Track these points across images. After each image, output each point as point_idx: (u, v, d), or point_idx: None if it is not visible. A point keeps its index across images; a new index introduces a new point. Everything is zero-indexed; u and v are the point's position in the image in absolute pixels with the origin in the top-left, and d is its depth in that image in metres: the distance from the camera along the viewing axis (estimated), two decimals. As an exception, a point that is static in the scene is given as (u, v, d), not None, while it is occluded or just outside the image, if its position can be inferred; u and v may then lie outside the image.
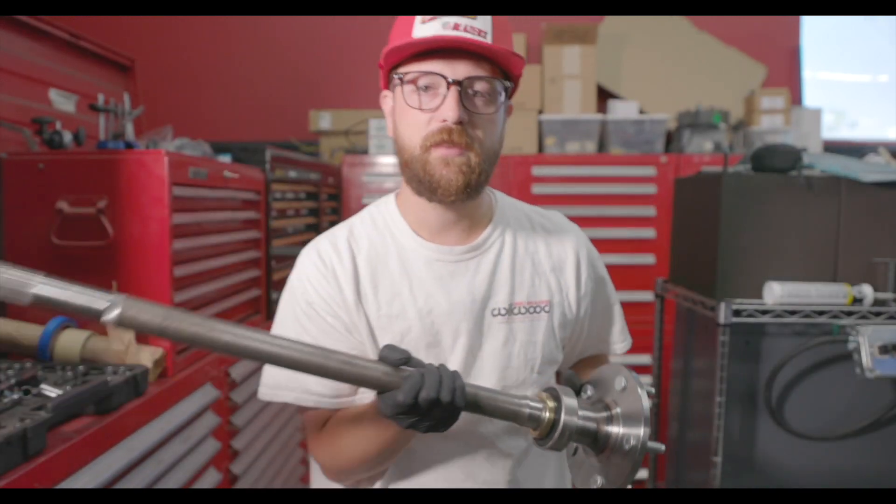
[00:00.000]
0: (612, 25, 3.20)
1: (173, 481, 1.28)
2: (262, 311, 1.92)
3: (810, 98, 3.37)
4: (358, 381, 0.77)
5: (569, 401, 0.81)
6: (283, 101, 3.31)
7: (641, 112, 3.00)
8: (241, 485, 1.62)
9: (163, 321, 0.72)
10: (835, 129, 3.62)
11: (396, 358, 0.76)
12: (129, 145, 1.53)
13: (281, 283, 2.05)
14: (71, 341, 1.28)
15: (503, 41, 0.88)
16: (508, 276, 0.96)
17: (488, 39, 0.85)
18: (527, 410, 0.80)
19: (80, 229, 1.31)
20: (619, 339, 1.09)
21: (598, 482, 0.83)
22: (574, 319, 1.01)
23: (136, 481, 1.15)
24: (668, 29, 3.23)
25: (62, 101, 1.78)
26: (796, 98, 3.32)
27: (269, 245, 1.93)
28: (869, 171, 1.75)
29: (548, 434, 0.81)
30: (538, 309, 0.96)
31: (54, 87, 1.76)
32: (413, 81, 0.87)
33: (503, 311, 0.94)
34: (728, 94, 3.18)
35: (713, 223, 1.79)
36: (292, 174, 2.17)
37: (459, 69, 0.85)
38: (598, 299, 1.04)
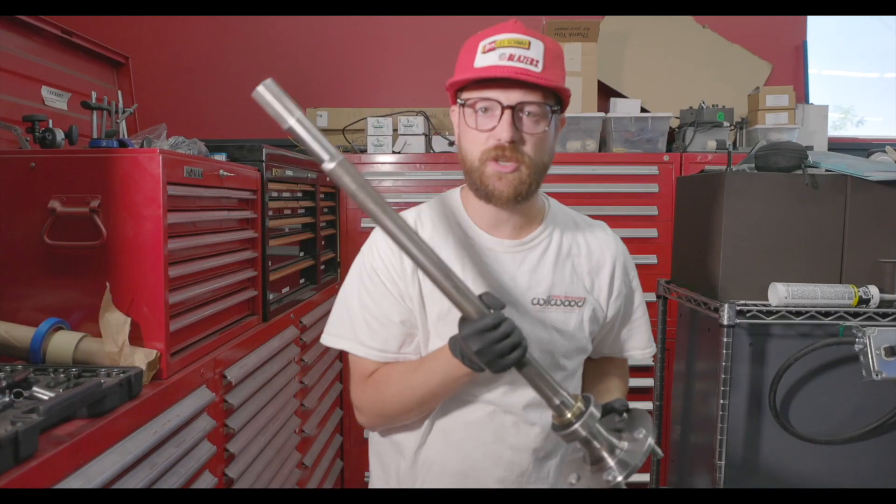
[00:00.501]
0: (613, 22, 3.17)
1: (167, 485, 1.26)
2: (259, 311, 1.89)
3: (816, 95, 3.34)
4: (461, 298, 0.91)
5: (593, 412, 0.93)
6: (282, 98, 3.28)
7: (644, 110, 2.97)
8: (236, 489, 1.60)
9: (356, 188, 0.91)
10: (841, 127, 3.59)
11: (493, 300, 0.92)
12: (122, 144, 1.51)
13: (277, 284, 2.04)
14: (63, 343, 1.26)
15: (553, 66, 1.02)
16: (550, 271, 1.11)
17: (539, 67, 0.99)
18: (558, 400, 0.93)
19: (73, 229, 1.29)
20: (641, 347, 1.25)
21: (572, 481, 0.98)
22: (604, 318, 1.17)
23: (129, 485, 1.14)
24: (670, 26, 3.20)
25: (54, 99, 1.75)
26: (801, 95, 3.29)
27: (266, 245, 1.91)
28: (875, 169, 1.73)
29: (563, 427, 0.94)
30: (573, 303, 1.12)
31: (46, 84, 1.74)
32: (473, 105, 1.03)
33: (542, 301, 1.10)
34: (732, 92, 3.15)
35: (716, 223, 1.76)
36: (289, 173, 2.15)
37: (513, 95, 1.00)
38: (627, 305, 1.20)
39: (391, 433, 1.16)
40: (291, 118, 0.88)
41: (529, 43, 1.00)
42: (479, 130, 1.02)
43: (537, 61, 0.99)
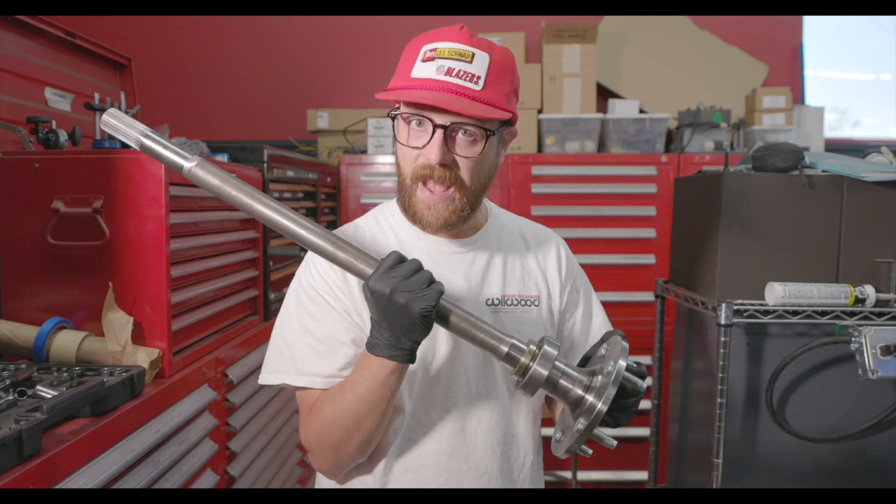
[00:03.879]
0: (612, 23, 3.19)
1: (170, 483, 1.27)
2: (260, 311, 1.90)
3: (812, 97, 3.36)
4: (360, 262, 0.86)
5: (548, 350, 0.85)
6: (281, 100, 3.30)
7: (642, 111, 2.99)
8: (238, 487, 1.61)
9: (220, 183, 0.91)
10: (837, 128, 3.61)
11: (398, 256, 0.85)
12: (125, 145, 1.52)
13: (279, 283, 2.05)
14: (67, 342, 1.27)
15: (497, 82, 0.92)
16: (501, 270, 1.04)
17: (480, 84, 0.91)
18: (506, 347, 0.85)
19: (76, 229, 1.30)
20: (601, 331, 1.12)
21: (557, 437, 0.89)
22: (559, 310, 1.08)
23: (132, 483, 1.14)
24: (668, 27, 3.22)
25: (58, 100, 1.77)
26: (798, 97, 3.30)
27: (267, 245, 1.92)
28: (871, 170, 1.74)
29: (522, 374, 0.85)
30: (528, 302, 1.05)
31: (50, 85, 1.75)
32: (407, 119, 0.94)
33: (496, 302, 1.02)
34: (729, 93, 3.17)
35: (714, 223, 1.78)
36: (290, 173, 2.16)
37: (445, 115, 0.90)
38: (577, 289, 1.12)
39: (348, 479, 1.01)
40: (138, 134, 0.91)
41: (473, 55, 0.91)
42: (410, 147, 0.93)
43: (478, 78, 0.90)
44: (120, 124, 0.93)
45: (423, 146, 0.92)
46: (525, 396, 0.89)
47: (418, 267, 0.85)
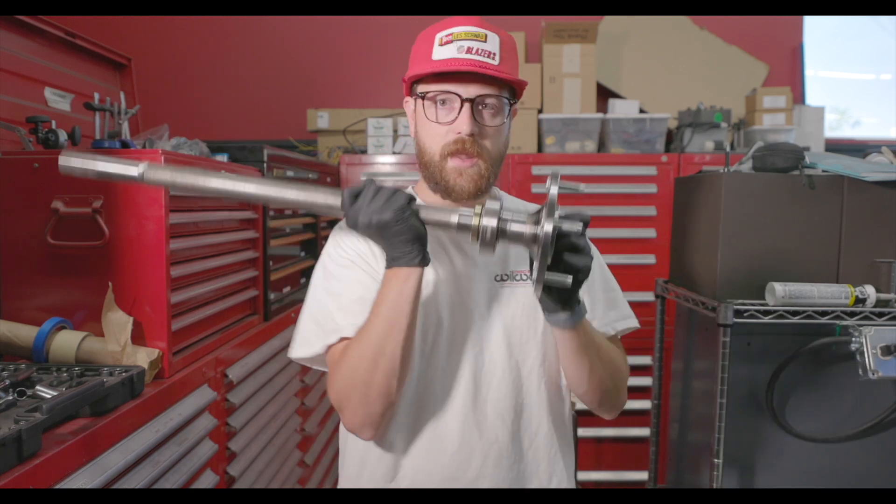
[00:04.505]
0: (612, 23, 3.19)
1: (169, 484, 1.27)
2: (260, 311, 1.90)
3: (812, 97, 3.36)
4: (330, 197, 0.93)
5: (490, 206, 0.90)
6: (281, 99, 3.30)
7: (642, 111, 2.99)
8: (238, 487, 1.61)
9: (173, 175, 0.96)
10: (837, 128, 3.61)
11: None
12: (124, 144, 1.52)
13: (279, 283, 2.05)
14: (66, 342, 1.27)
15: (509, 59, 1.03)
16: (506, 246, 1.07)
17: (496, 60, 1.01)
18: (455, 218, 0.92)
19: (76, 229, 1.30)
20: (618, 318, 1.13)
21: (524, 277, 1.02)
22: None
23: (131, 484, 1.14)
24: (668, 27, 3.22)
25: (57, 100, 1.76)
26: (798, 97, 3.30)
27: (267, 245, 1.92)
28: (872, 170, 1.74)
29: (477, 233, 0.90)
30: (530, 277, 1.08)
31: (49, 85, 1.75)
32: (433, 98, 1.02)
33: (505, 277, 1.09)
34: (729, 93, 3.16)
35: (714, 223, 1.78)
36: (290, 173, 2.16)
37: (471, 89, 1.00)
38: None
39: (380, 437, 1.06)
40: (94, 163, 0.97)
41: (486, 36, 1.01)
42: (439, 123, 1.02)
43: (494, 54, 1.01)
44: (74, 164, 0.98)
45: (453, 121, 1.01)
46: (486, 255, 0.94)
47: (377, 187, 0.92)
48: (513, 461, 1.07)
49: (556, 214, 0.86)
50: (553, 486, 1.10)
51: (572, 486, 1.16)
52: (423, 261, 0.93)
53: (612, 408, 1.10)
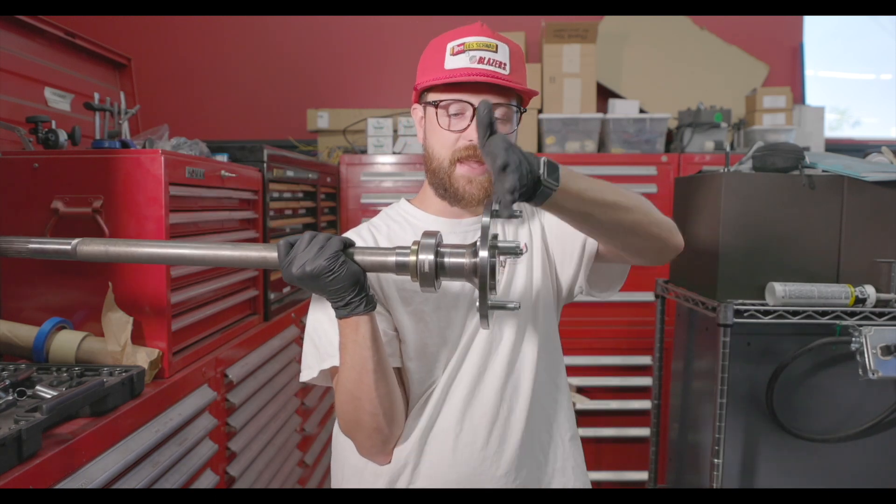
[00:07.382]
0: (612, 23, 3.18)
1: (169, 484, 1.27)
2: (260, 311, 1.90)
3: (812, 97, 3.36)
4: (264, 250, 0.94)
5: (426, 241, 0.89)
6: (281, 100, 3.30)
7: (642, 111, 2.99)
8: (238, 487, 1.61)
9: (106, 247, 1.00)
10: (837, 128, 3.61)
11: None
12: (124, 144, 1.51)
13: (279, 283, 2.05)
14: (66, 342, 1.27)
15: (518, 68, 1.06)
16: (514, 234, 1.13)
17: (507, 70, 1.03)
18: (392, 259, 0.91)
19: (76, 229, 1.29)
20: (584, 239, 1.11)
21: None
22: (560, 271, 1.13)
23: (131, 484, 1.14)
24: (668, 27, 3.21)
25: (57, 100, 1.76)
26: (798, 97, 3.30)
27: (267, 245, 1.92)
28: (872, 170, 1.74)
29: (418, 273, 0.89)
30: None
31: (49, 85, 1.75)
32: (446, 107, 1.04)
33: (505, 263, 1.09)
34: (729, 93, 3.16)
35: (714, 223, 1.78)
36: (290, 173, 2.16)
37: (484, 97, 1.01)
38: (561, 240, 1.13)
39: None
40: (23, 245, 1.05)
41: (497, 46, 1.03)
42: (451, 131, 1.04)
43: (505, 64, 1.03)
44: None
45: (464, 129, 1.03)
46: (429, 293, 0.93)
47: (312, 235, 0.90)
48: (532, 468, 1.09)
49: (490, 243, 0.84)
50: (577, 484, 1.13)
51: (587, 483, 1.18)
52: (368, 307, 0.92)
53: (671, 236, 1.02)
